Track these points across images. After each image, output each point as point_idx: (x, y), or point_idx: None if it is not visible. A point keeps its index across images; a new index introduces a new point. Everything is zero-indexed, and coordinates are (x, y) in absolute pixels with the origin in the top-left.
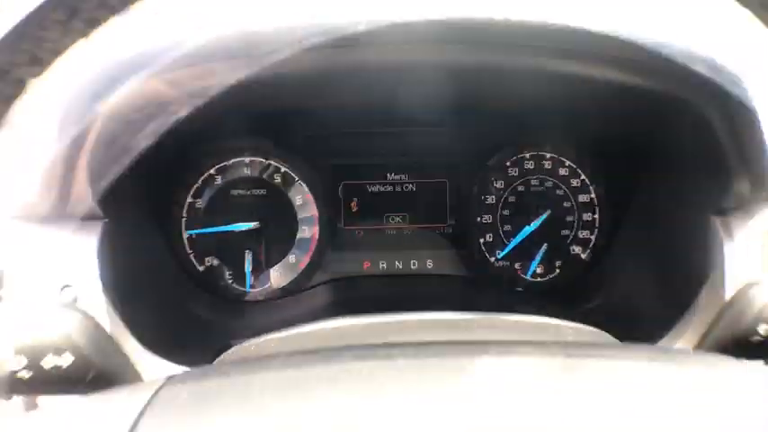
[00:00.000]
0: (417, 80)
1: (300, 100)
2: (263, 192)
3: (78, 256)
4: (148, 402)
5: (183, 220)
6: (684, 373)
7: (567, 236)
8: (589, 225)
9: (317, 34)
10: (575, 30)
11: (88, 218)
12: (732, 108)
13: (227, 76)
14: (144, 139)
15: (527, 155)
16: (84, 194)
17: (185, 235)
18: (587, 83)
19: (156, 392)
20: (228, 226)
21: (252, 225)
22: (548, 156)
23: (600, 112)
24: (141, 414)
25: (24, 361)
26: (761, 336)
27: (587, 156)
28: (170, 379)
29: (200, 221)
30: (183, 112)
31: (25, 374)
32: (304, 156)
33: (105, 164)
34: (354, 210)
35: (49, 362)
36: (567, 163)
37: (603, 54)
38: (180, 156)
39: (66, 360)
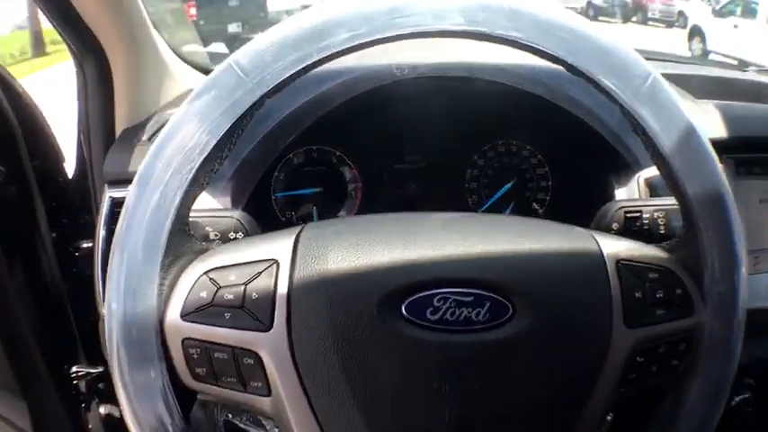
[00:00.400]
0: (423, 100)
1: (353, 110)
2: (324, 168)
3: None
4: (302, 227)
5: (272, 186)
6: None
7: (529, 197)
8: (544, 189)
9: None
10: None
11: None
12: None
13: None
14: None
15: (500, 142)
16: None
17: (273, 197)
18: (524, 98)
19: (305, 225)
20: (300, 190)
21: (316, 190)
22: (514, 143)
23: (540, 116)
24: (298, 236)
25: (218, 235)
26: (614, 230)
27: (541, 142)
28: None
29: (282, 187)
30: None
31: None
32: (352, 145)
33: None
34: (385, 180)
35: (231, 235)
36: (528, 147)
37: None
38: (274, 147)
39: (239, 235)
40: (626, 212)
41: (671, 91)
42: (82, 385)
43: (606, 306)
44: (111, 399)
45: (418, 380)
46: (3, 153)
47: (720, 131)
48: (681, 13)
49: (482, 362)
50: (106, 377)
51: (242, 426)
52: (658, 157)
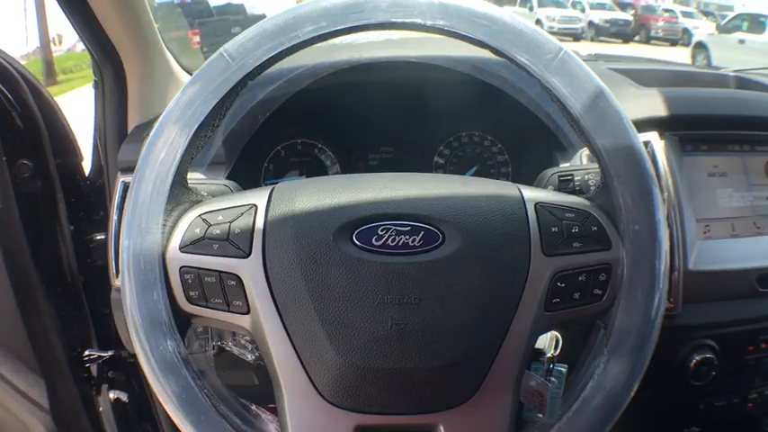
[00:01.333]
0: (394, 97)
1: (332, 106)
2: (308, 159)
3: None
4: (274, 186)
5: (262, 175)
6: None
7: None
8: (505, 174)
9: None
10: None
11: (216, 163)
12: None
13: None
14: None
15: (464, 133)
16: (220, 150)
17: (263, 184)
18: (484, 92)
19: (280, 182)
20: (286, 178)
21: (301, 178)
22: (477, 133)
23: (498, 108)
24: (273, 188)
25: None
26: None
27: (501, 132)
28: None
29: (271, 176)
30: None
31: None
32: (332, 138)
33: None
34: (362, 168)
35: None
36: (489, 137)
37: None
38: (266, 140)
39: None
40: (560, 176)
41: (581, 63)
42: (94, 369)
43: (524, 236)
44: (120, 385)
45: (365, 293)
46: (30, 150)
47: (659, 110)
48: (685, 31)
49: (417, 278)
50: (116, 363)
51: (227, 348)
52: (571, 119)
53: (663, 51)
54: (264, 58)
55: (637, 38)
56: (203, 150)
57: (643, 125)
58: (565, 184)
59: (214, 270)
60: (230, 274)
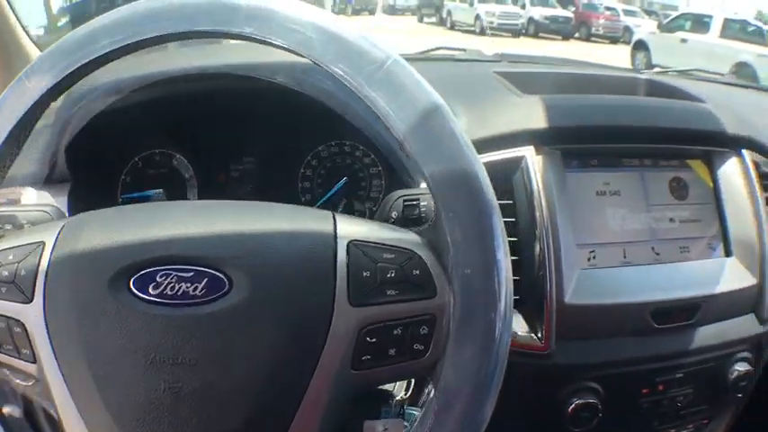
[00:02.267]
0: (254, 103)
1: (184, 115)
2: (165, 170)
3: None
4: (66, 221)
5: (119, 189)
6: None
7: (362, 195)
8: (378, 186)
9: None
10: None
11: (61, 181)
12: None
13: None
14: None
15: (333, 143)
16: (64, 165)
17: (119, 198)
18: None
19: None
20: (144, 192)
21: (159, 192)
22: (347, 143)
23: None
24: (65, 223)
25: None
26: (393, 219)
27: (372, 142)
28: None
29: (128, 189)
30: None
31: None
32: (190, 148)
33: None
34: (222, 180)
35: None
36: (361, 147)
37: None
38: (120, 152)
39: None
40: (405, 201)
41: (414, 74)
42: None
43: (328, 283)
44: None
45: (137, 351)
46: None
47: (537, 122)
48: (626, 29)
49: (195, 334)
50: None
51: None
52: (398, 141)
53: (603, 49)
54: (60, 77)
55: (577, 35)
56: (45, 167)
57: (518, 138)
58: (410, 210)
59: (2, 315)
60: (15, 320)
